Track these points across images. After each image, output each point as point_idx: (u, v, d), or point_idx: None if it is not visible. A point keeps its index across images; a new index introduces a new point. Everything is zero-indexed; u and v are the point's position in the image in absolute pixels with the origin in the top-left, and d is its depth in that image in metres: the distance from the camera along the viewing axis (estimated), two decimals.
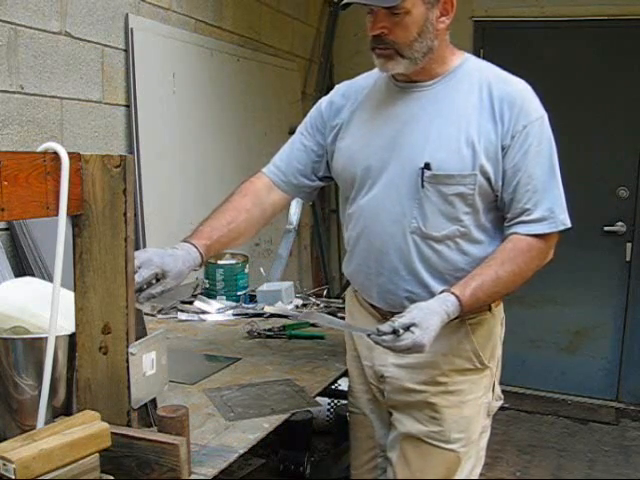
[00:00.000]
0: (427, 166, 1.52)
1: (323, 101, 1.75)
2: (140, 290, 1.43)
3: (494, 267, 1.50)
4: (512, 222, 1.55)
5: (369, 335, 1.44)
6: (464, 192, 1.52)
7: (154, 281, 1.46)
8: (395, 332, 1.39)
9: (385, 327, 1.40)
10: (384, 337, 1.40)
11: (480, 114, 1.52)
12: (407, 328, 1.39)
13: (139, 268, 1.42)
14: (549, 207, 1.52)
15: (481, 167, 1.51)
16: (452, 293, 1.46)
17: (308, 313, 1.58)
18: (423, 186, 1.52)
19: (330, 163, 1.72)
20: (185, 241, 1.58)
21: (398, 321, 1.40)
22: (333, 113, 1.71)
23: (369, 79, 1.70)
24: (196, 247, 1.56)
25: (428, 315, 1.41)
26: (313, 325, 2.16)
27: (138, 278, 1.40)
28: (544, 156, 1.53)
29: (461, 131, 1.52)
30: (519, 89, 1.55)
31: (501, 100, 1.52)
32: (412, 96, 1.59)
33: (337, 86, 1.76)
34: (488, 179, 1.52)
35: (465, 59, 1.60)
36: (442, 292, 1.48)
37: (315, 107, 1.77)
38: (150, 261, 1.45)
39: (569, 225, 1.54)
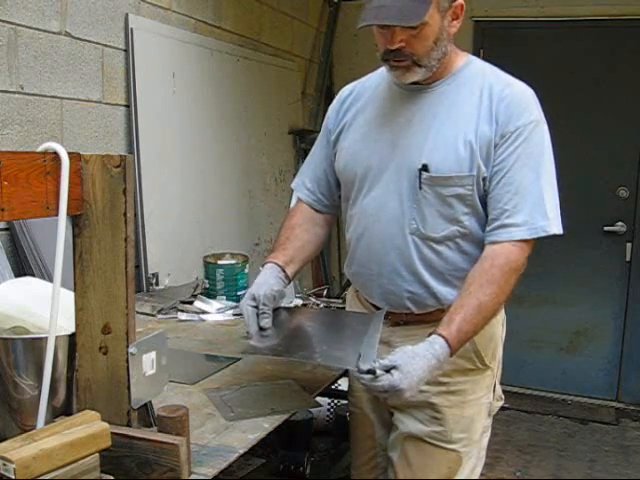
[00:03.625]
0: (425, 168, 1.51)
1: (328, 110, 1.78)
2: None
3: (474, 294, 1.46)
4: (493, 225, 1.51)
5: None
6: (462, 193, 1.52)
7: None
8: (373, 372, 1.35)
9: (365, 366, 1.36)
10: (363, 375, 1.36)
11: (479, 116, 1.52)
12: (388, 370, 1.35)
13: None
14: (529, 212, 1.48)
15: (478, 168, 1.50)
16: (439, 335, 1.42)
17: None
18: (421, 188, 1.52)
19: (334, 164, 1.73)
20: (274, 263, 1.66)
21: (379, 362, 1.36)
22: (339, 119, 1.72)
23: (372, 80, 1.71)
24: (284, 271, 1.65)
25: (411, 359, 1.36)
26: None
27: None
28: (532, 160, 1.50)
29: (459, 133, 1.51)
30: (519, 92, 1.54)
31: (499, 101, 1.51)
32: (414, 97, 1.59)
33: (340, 92, 1.78)
34: (484, 179, 1.51)
35: (469, 61, 1.60)
36: (429, 335, 1.44)
37: (325, 119, 1.79)
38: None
39: (551, 232, 1.49)
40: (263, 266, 1.66)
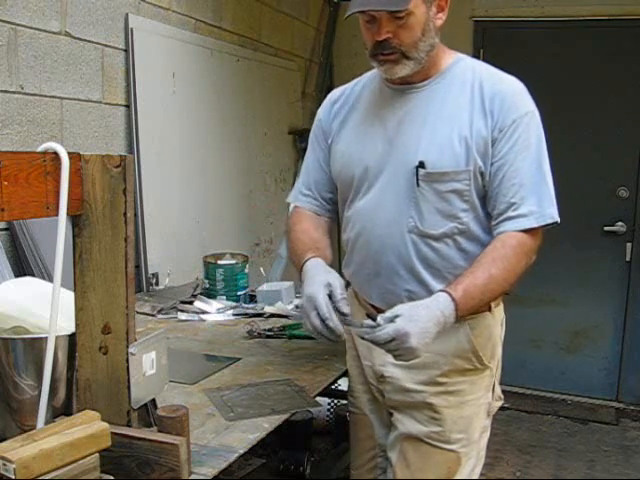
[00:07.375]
0: (421, 165, 1.52)
1: (319, 113, 1.77)
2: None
3: (486, 265, 1.47)
4: (499, 219, 1.52)
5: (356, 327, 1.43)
6: (459, 188, 1.52)
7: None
8: (377, 324, 1.36)
9: (368, 321, 1.39)
10: (365, 329, 1.38)
11: (472, 111, 1.53)
12: (391, 321, 1.36)
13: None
14: (536, 201, 1.50)
15: (475, 163, 1.51)
16: (443, 291, 1.44)
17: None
18: (418, 185, 1.53)
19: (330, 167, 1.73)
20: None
21: (381, 316, 1.38)
22: (330, 120, 1.72)
23: (362, 83, 1.72)
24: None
25: (414, 308, 1.39)
26: None
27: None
28: (532, 151, 1.52)
29: (454, 128, 1.52)
30: (510, 86, 1.56)
31: (492, 96, 1.52)
32: (405, 97, 1.59)
33: (330, 94, 1.77)
34: (482, 174, 1.52)
35: (458, 59, 1.61)
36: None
37: (314, 123, 1.77)
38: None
39: (557, 219, 1.52)
40: (304, 264, 1.58)
